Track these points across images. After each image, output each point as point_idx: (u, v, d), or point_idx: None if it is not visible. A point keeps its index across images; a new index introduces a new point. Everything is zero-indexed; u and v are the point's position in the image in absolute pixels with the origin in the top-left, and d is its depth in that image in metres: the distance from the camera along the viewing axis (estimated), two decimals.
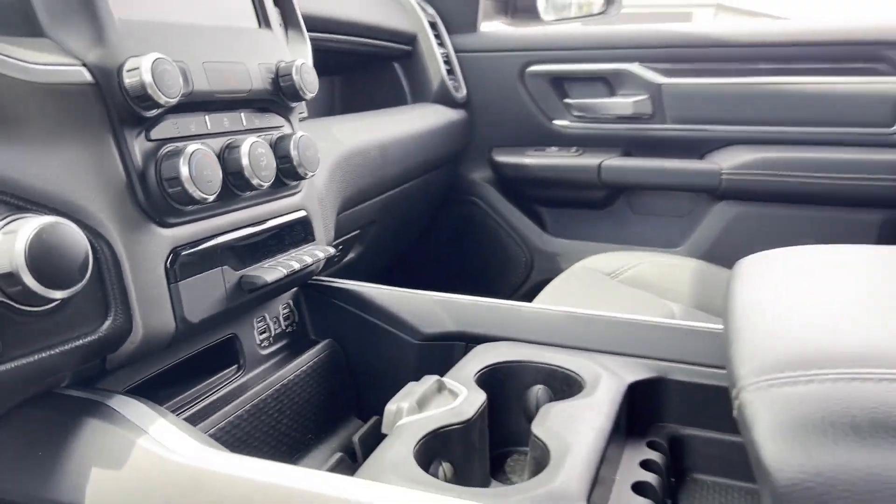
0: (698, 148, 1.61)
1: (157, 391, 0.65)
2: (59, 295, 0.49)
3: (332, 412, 0.84)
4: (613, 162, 1.64)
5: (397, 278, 0.91)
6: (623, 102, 1.61)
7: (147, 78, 0.55)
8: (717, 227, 1.62)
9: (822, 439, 0.38)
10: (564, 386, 0.72)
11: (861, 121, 1.48)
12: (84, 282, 0.50)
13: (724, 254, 1.49)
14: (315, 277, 0.86)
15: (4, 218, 0.48)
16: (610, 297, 1.26)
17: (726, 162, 1.56)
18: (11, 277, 0.46)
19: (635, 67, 1.59)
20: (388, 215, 1.31)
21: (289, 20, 0.82)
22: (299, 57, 0.78)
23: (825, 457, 0.37)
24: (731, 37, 1.55)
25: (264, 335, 0.79)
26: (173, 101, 0.57)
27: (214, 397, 0.70)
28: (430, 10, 1.62)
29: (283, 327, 0.83)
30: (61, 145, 0.52)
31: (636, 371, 0.72)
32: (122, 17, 0.57)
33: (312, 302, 0.87)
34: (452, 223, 1.80)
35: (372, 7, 1.38)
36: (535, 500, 0.51)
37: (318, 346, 0.83)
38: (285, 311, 0.84)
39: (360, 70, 1.52)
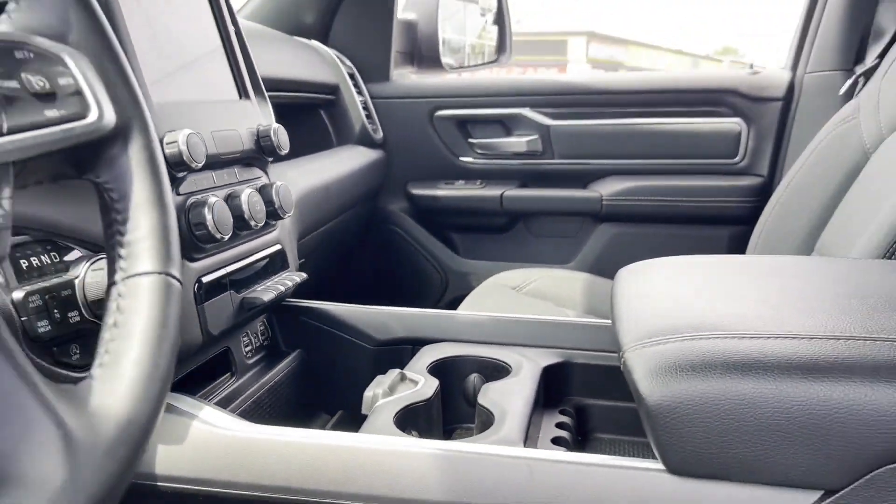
0: (582, 178, 1.82)
1: (178, 392, 0.80)
2: None
3: (304, 409, 0.99)
4: (513, 192, 1.84)
5: (329, 299, 1.04)
6: (518, 141, 1.80)
7: (183, 148, 0.71)
8: (600, 245, 1.83)
9: (675, 376, 0.60)
10: (495, 372, 0.88)
11: (711, 153, 1.74)
12: None
13: (607, 267, 1.65)
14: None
15: (90, 259, 0.64)
16: (516, 307, 1.40)
17: (606, 190, 1.78)
18: (102, 303, 0.62)
19: (527, 111, 1.79)
20: (324, 245, 1.47)
21: (255, 88, 0.99)
22: (266, 118, 0.96)
23: (676, 386, 0.59)
24: (605, 86, 1.80)
25: (248, 348, 0.95)
26: (200, 164, 0.74)
27: (220, 397, 0.85)
28: (348, 63, 1.78)
29: (261, 341, 0.99)
30: None
31: (548, 358, 0.90)
32: (157, 101, 0.74)
33: (282, 319, 1.01)
34: (375, 250, 1.94)
35: (302, 64, 1.55)
36: (489, 443, 0.71)
37: (291, 357, 0.98)
38: (261, 327, 1.00)
39: (292, 118, 1.66)
